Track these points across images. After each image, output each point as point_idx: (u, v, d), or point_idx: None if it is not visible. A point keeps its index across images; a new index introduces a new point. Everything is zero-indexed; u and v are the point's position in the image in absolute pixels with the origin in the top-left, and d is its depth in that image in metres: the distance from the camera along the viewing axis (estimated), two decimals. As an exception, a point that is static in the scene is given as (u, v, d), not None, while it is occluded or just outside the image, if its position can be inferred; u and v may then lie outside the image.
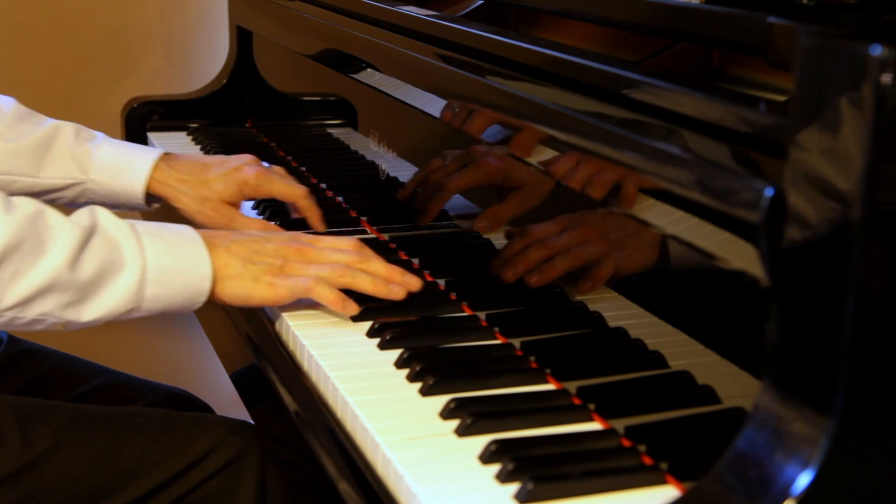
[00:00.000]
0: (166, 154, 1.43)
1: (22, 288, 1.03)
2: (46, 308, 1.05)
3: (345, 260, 1.16)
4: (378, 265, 1.16)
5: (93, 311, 1.07)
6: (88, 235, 1.06)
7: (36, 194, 1.40)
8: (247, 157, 1.43)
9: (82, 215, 1.09)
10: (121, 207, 1.45)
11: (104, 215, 1.10)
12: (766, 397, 0.75)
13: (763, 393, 0.75)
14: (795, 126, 0.72)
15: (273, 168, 1.44)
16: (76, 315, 1.07)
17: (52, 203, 1.41)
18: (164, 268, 1.09)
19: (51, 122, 1.42)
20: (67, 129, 1.42)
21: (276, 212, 1.49)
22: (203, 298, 1.12)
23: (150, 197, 1.42)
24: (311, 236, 1.20)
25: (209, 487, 1.20)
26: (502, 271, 1.14)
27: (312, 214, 1.41)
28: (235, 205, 1.41)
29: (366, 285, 1.14)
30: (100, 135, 1.45)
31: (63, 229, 1.05)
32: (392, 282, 1.15)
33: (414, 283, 1.16)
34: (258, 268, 1.14)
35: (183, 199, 1.40)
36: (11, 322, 1.05)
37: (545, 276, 1.10)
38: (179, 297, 1.11)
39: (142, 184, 1.40)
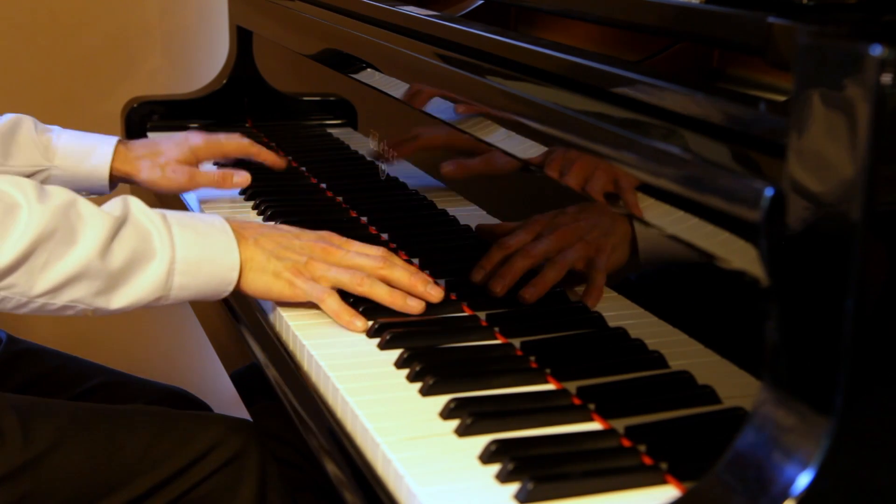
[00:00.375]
0: (122, 139, 1.54)
1: (53, 275, 1.05)
2: (77, 295, 1.07)
3: (368, 265, 1.16)
4: (401, 274, 1.16)
5: (122, 298, 1.10)
6: (119, 225, 1.09)
7: None
8: (193, 131, 1.57)
9: (115, 205, 1.12)
10: (82, 192, 1.49)
11: (136, 205, 1.13)
12: (766, 397, 0.75)
13: (763, 393, 0.75)
14: (795, 126, 0.72)
15: (217, 134, 1.58)
16: (105, 302, 1.09)
17: None
18: (193, 258, 1.11)
19: (8, 116, 1.49)
20: (27, 120, 1.50)
21: (277, 212, 1.49)
22: (230, 288, 1.15)
23: (113, 179, 1.52)
24: (342, 239, 1.21)
25: (209, 486, 1.20)
26: (493, 285, 1.14)
27: (267, 156, 1.56)
28: (193, 166, 1.52)
29: (383, 296, 1.15)
30: (55, 127, 1.54)
31: (95, 219, 1.08)
32: (414, 291, 1.16)
33: (435, 294, 1.16)
34: (282, 264, 1.16)
35: (144, 170, 1.50)
36: (42, 308, 1.08)
37: (538, 290, 1.10)
38: (207, 286, 1.13)
39: (107, 166, 1.49)
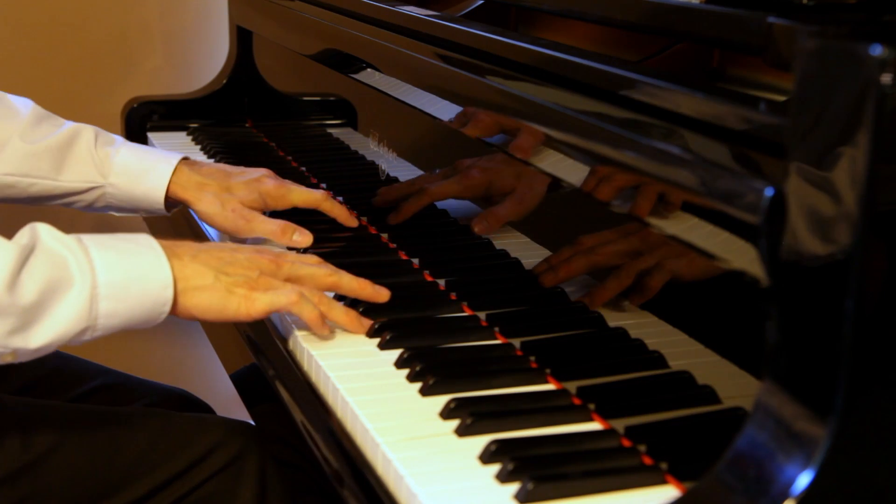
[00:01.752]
0: (186, 158, 1.42)
1: None
2: None
3: (319, 273, 1.13)
4: (349, 280, 1.14)
5: (42, 335, 0.98)
6: (27, 254, 0.97)
7: (55, 197, 1.39)
8: (265, 170, 1.42)
9: (22, 234, 1.01)
10: (138, 212, 1.45)
11: (46, 231, 1.01)
12: (766, 397, 0.75)
13: (763, 393, 0.75)
14: (795, 126, 0.72)
15: (289, 182, 1.42)
16: (24, 342, 0.97)
17: (69, 206, 1.42)
18: (117, 280, 1.00)
19: (70, 125, 1.41)
20: (87, 131, 1.40)
21: (277, 212, 1.49)
22: (165, 309, 1.04)
23: (169, 202, 1.41)
24: (280, 252, 1.16)
25: (209, 488, 1.20)
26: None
27: (339, 213, 1.39)
28: (257, 211, 1.38)
29: (340, 317, 1.12)
30: (119, 139, 1.44)
31: None
32: (363, 296, 1.15)
33: (384, 293, 1.15)
34: (232, 279, 1.08)
35: (205, 201, 1.37)
36: None
37: (559, 275, 1.09)
38: (138, 310, 1.02)
39: (163, 188, 1.38)
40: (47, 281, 0.97)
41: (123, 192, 1.39)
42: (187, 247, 1.09)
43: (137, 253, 1.03)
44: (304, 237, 1.32)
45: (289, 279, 1.11)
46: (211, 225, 1.40)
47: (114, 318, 1.01)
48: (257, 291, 1.08)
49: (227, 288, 1.07)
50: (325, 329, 1.11)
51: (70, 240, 1.01)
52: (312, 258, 1.16)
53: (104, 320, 1.01)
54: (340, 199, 1.58)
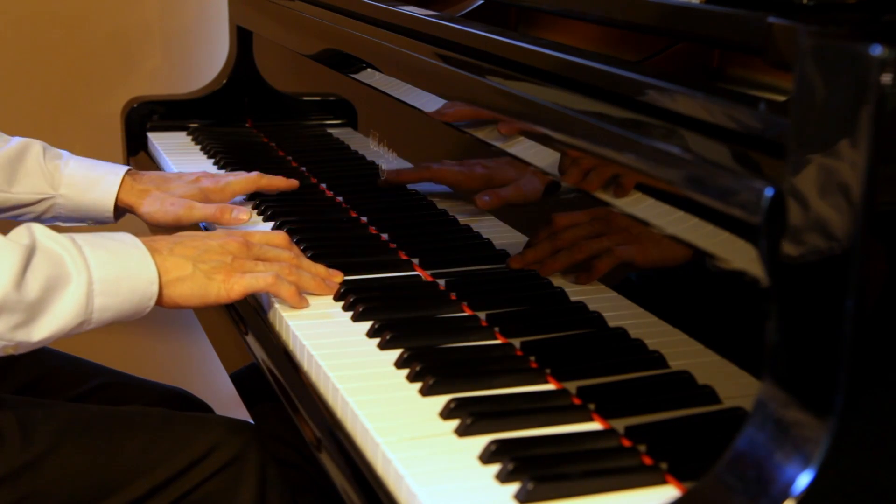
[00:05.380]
0: (130, 170, 1.51)
1: None
2: None
3: (284, 255, 1.21)
4: (307, 262, 1.23)
5: (43, 329, 1.05)
6: (30, 253, 1.04)
7: (5, 209, 1.45)
8: (203, 172, 1.54)
9: (20, 234, 1.07)
10: (86, 221, 1.53)
11: (42, 232, 1.08)
12: (765, 397, 0.75)
13: (763, 393, 0.75)
14: (795, 126, 0.72)
15: (226, 174, 1.55)
16: (26, 335, 1.04)
17: (17, 219, 1.46)
18: (110, 277, 1.08)
19: (18, 140, 1.47)
20: (36, 145, 1.47)
21: (277, 212, 1.49)
22: (151, 303, 1.12)
23: (117, 210, 1.49)
24: (243, 231, 1.26)
25: (209, 487, 1.20)
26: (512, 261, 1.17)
27: (278, 183, 1.52)
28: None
29: (310, 285, 1.20)
30: (65, 153, 1.51)
31: (4, 250, 1.03)
32: (321, 275, 1.22)
33: (337, 276, 1.24)
34: (209, 266, 1.15)
35: (147, 203, 1.47)
36: None
37: (548, 269, 1.12)
38: (127, 303, 1.10)
39: (112, 196, 1.47)
40: (48, 278, 1.05)
41: (73, 203, 1.48)
42: (164, 241, 1.17)
43: (125, 252, 1.11)
44: (242, 213, 1.44)
45: (258, 259, 1.20)
46: (155, 223, 1.49)
47: (106, 311, 1.09)
48: (235, 275, 1.16)
49: (206, 275, 1.15)
50: (304, 303, 1.18)
51: (64, 239, 1.08)
52: (278, 237, 1.25)
53: (98, 314, 1.09)
54: (341, 198, 1.58)
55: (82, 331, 1.09)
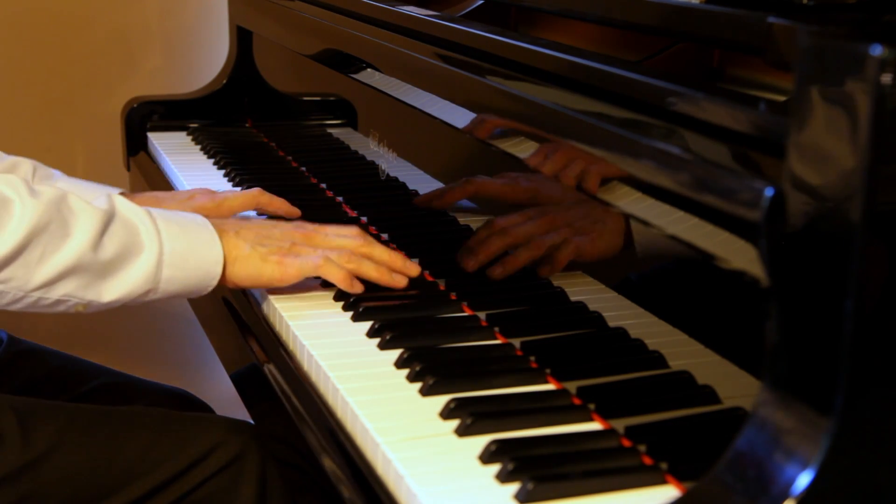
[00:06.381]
0: (122, 192, 1.46)
1: (49, 268, 1.07)
2: (70, 288, 1.08)
3: (349, 244, 1.21)
4: (381, 250, 1.21)
5: (113, 291, 1.11)
6: (109, 219, 1.11)
7: None
8: (200, 188, 1.49)
9: (101, 200, 1.13)
10: None
11: (121, 201, 1.14)
12: (766, 397, 0.75)
13: (763, 393, 0.75)
14: (795, 126, 0.72)
15: (225, 192, 1.50)
16: (97, 295, 1.10)
17: None
18: (179, 250, 1.13)
19: (9, 158, 1.44)
20: (25, 164, 1.45)
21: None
22: (215, 281, 1.16)
23: None
24: (316, 225, 1.24)
25: (209, 487, 1.20)
26: (465, 261, 1.19)
27: (278, 205, 1.47)
28: None
29: (370, 272, 1.19)
30: (56, 172, 1.48)
31: (85, 213, 1.09)
32: (394, 268, 1.21)
33: (413, 269, 1.22)
34: (266, 249, 1.18)
35: None
36: (36, 303, 1.09)
37: (507, 268, 1.15)
38: (193, 279, 1.14)
39: None
40: (123, 245, 1.11)
41: None
42: (231, 224, 1.21)
43: (195, 229, 1.16)
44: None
45: (321, 248, 1.20)
46: None
47: (172, 283, 1.14)
48: (289, 257, 1.18)
49: (262, 257, 1.17)
50: (357, 286, 1.18)
51: (140, 210, 1.14)
52: (351, 230, 1.24)
53: (165, 285, 1.13)
54: (341, 198, 1.58)
55: (148, 299, 1.14)
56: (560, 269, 1.09)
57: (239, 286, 1.20)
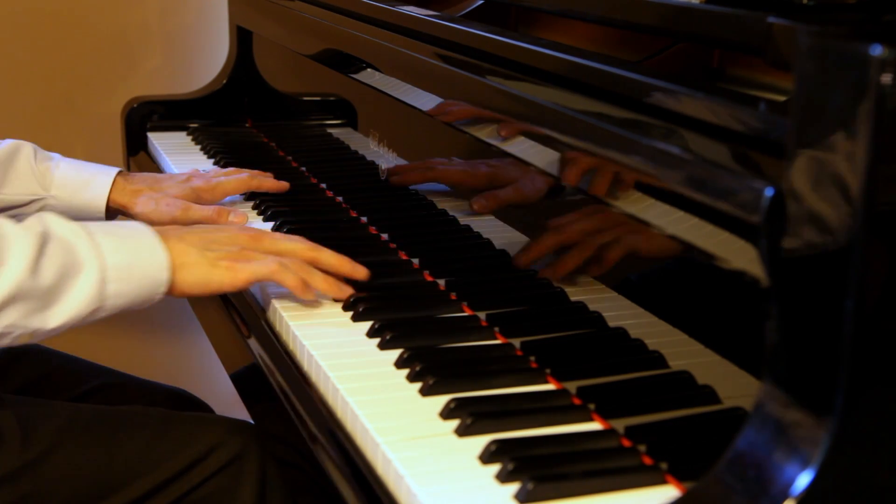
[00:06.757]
0: (122, 171, 1.50)
1: None
2: (12, 319, 1.02)
3: (298, 248, 1.19)
4: (328, 254, 1.20)
5: (58, 315, 1.05)
6: (44, 240, 1.05)
7: None
8: (194, 171, 1.54)
9: (33, 221, 1.08)
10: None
11: (54, 220, 1.09)
12: (765, 397, 0.75)
13: (763, 393, 0.75)
14: (795, 126, 0.72)
15: (217, 172, 1.55)
16: (42, 322, 1.04)
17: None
18: (122, 263, 1.09)
19: (8, 142, 1.46)
20: (26, 147, 1.47)
21: (277, 211, 1.49)
22: (163, 289, 1.12)
23: (109, 211, 1.48)
24: (260, 230, 1.24)
25: (209, 487, 1.20)
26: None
27: (269, 185, 1.51)
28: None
29: (320, 284, 1.18)
30: (56, 155, 1.50)
31: (18, 237, 1.03)
32: (342, 272, 1.20)
33: (361, 272, 1.21)
34: (215, 254, 1.15)
35: (140, 203, 1.46)
36: None
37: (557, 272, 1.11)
38: (140, 290, 1.10)
39: (104, 197, 1.46)
40: (62, 265, 1.05)
41: (64, 204, 1.46)
42: (174, 230, 1.17)
43: (136, 238, 1.12)
44: (238, 216, 1.43)
45: (269, 253, 1.18)
46: (150, 224, 1.43)
47: (120, 298, 1.09)
48: (240, 262, 1.15)
49: (211, 262, 1.14)
50: (310, 294, 1.17)
51: (77, 227, 1.09)
52: (295, 237, 1.23)
53: (112, 300, 1.08)
54: (341, 198, 1.58)
55: (96, 318, 1.09)
56: (609, 269, 1.05)
57: (188, 294, 1.15)
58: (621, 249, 1.00)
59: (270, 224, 1.47)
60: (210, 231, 1.19)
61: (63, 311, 1.06)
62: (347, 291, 1.19)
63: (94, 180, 1.47)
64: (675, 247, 0.88)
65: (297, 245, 1.19)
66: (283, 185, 1.55)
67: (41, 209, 1.46)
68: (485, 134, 1.15)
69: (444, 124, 1.23)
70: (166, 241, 1.13)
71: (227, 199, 1.54)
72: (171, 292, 1.13)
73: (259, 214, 1.51)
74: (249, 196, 1.57)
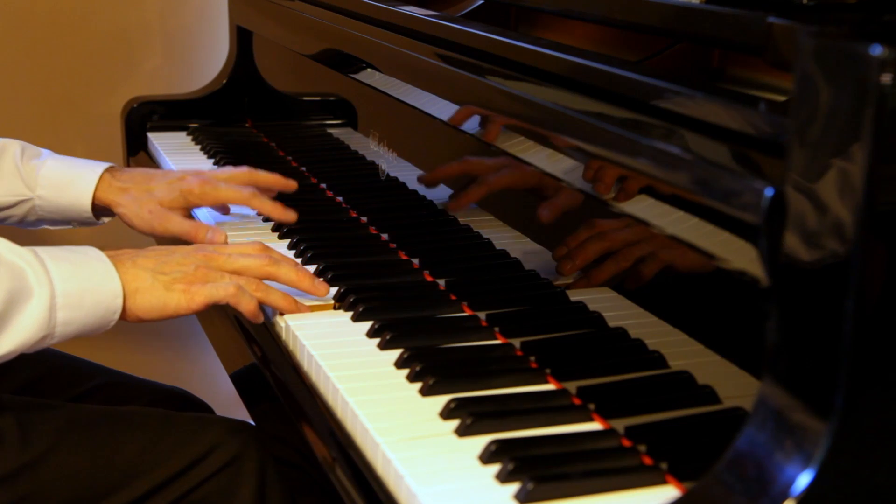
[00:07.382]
0: (112, 167, 1.45)
1: None
2: None
3: (253, 265, 1.16)
4: (287, 269, 1.17)
5: (5, 343, 1.03)
6: None
7: None
8: (190, 170, 1.46)
9: None
10: (70, 223, 1.48)
11: (4, 245, 1.06)
12: (766, 397, 0.75)
13: (763, 393, 0.75)
14: (795, 126, 0.72)
15: (217, 175, 1.45)
16: None
17: (2, 222, 1.44)
18: (73, 290, 1.06)
19: None
20: (13, 146, 1.44)
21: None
22: (116, 316, 1.10)
23: (99, 210, 1.44)
24: (217, 245, 1.21)
25: (209, 487, 1.20)
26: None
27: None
28: (177, 211, 1.41)
29: (278, 302, 1.16)
30: (45, 151, 1.47)
31: None
32: (301, 287, 1.17)
33: (322, 290, 1.18)
34: (168, 277, 1.12)
35: (124, 203, 1.41)
36: None
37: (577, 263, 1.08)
38: (92, 317, 1.08)
39: (89, 195, 1.42)
40: (9, 292, 1.02)
41: (51, 204, 1.43)
42: (128, 254, 1.14)
43: (88, 264, 1.09)
44: (217, 235, 1.35)
45: (226, 272, 1.15)
46: (131, 227, 1.43)
47: (70, 325, 1.07)
48: (196, 285, 1.12)
49: (165, 286, 1.12)
50: (261, 317, 1.15)
51: (26, 252, 1.06)
52: (254, 247, 1.19)
53: (61, 328, 1.06)
54: (341, 198, 1.58)
55: (45, 345, 1.07)
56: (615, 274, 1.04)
57: (143, 319, 1.12)
58: (630, 257, 1.00)
59: (270, 224, 1.47)
60: (164, 252, 1.15)
61: (10, 338, 1.03)
62: (304, 308, 1.17)
63: (80, 178, 1.42)
64: (675, 247, 0.88)
65: (253, 262, 1.16)
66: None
67: (30, 210, 1.44)
68: (485, 134, 1.15)
69: (444, 124, 1.23)
70: (120, 267, 1.10)
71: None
72: (126, 318, 1.11)
73: (259, 214, 1.51)
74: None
